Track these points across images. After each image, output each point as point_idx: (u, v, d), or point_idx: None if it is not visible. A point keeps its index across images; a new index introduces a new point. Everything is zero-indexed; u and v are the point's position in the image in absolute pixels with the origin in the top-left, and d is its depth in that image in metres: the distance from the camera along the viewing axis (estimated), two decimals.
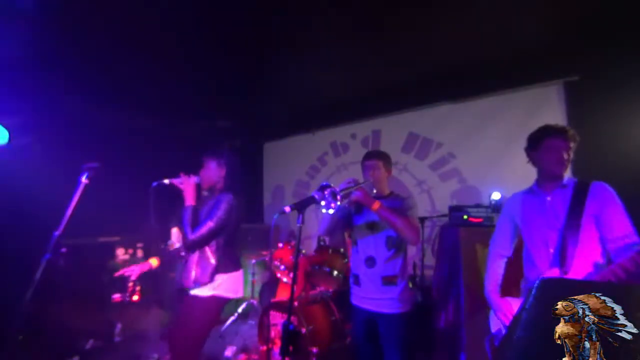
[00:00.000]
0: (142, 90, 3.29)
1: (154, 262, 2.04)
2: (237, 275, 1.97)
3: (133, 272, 1.97)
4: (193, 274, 1.89)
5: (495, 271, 1.72)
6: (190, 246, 1.87)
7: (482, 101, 3.05)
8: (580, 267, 1.43)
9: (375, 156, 1.94)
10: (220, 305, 1.93)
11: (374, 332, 1.81)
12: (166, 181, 1.92)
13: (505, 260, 1.73)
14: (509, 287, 1.74)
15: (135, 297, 2.02)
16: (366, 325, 1.83)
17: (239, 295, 1.99)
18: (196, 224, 1.85)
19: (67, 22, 2.21)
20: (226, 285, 1.91)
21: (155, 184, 1.88)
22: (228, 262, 1.93)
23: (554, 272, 1.47)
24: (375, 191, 1.90)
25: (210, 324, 1.92)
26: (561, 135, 1.54)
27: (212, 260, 1.89)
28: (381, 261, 1.80)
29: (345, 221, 1.98)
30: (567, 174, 1.59)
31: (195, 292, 1.89)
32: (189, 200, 1.90)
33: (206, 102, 3.78)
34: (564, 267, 1.44)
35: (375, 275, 1.80)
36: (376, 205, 1.69)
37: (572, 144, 1.54)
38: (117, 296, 2.06)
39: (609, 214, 1.43)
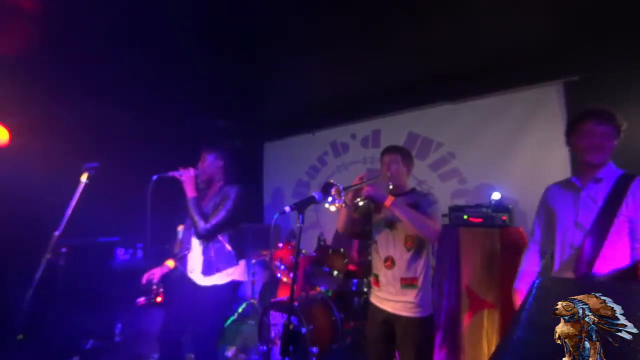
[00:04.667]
0: (142, 90, 3.29)
1: (170, 263, 2.11)
2: (244, 261, 2.10)
3: (155, 275, 2.04)
4: (213, 263, 1.94)
5: (529, 268, 1.63)
6: (205, 236, 1.93)
7: (482, 101, 3.04)
8: (600, 272, 1.29)
9: (392, 151, 1.87)
10: (236, 288, 2.05)
11: (389, 334, 1.75)
12: (167, 174, 1.98)
13: (542, 255, 1.62)
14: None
15: (159, 299, 2.10)
16: (383, 327, 1.77)
17: (247, 279, 2.11)
18: (201, 215, 1.91)
19: (68, 20, 2.21)
20: (240, 270, 2.03)
21: (155, 176, 1.91)
22: (240, 249, 2.04)
23: (569, 275, 1.36)
24: (391, 187, 1.83)
25: (229, 309, 2.02)
26: (597, 117, 1.37)
27: (229, 248, 1.98)
28: (400, 262, 1.73)
29: (365, 219, 1.92)
30: (611, 164, 1.43)
31: (211, 282, 1.93)
32: (190, 192, 1.96)
33: (206, 102, 3.78)
34: (579, 271, 1.31)
35: (394, 277, 1.73)
36: (389, 201, 1.63)
37: (613, 129, 1.35)
38: (141, 300, 2.13)
39: None
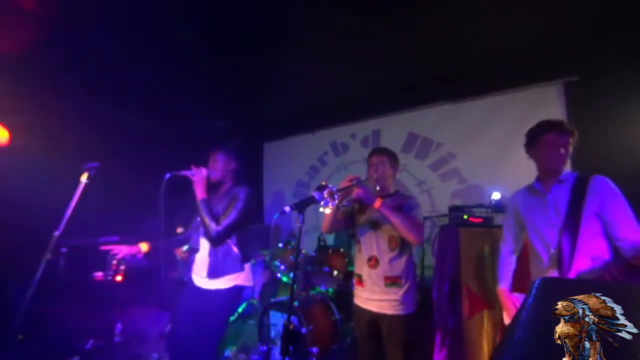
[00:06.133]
0: (142, 90, 3.29)
1: (143, 246, 2.02)
2: (249, 266, 2.06)
3: (120, 251, 1.95)
4: (220, 265, 1.91)
5: (505, 267, 1.76)
6: (217, 238, 1.89)
7: (482, 101, 3.04)
8: (581, 266, 1.39)
9: (380, 152, 1.91)
10: (241, 293, 2.01)
11: (377, 333, 1.78)
12: (180, 173, 1.93)
13: (514, 255, 1.76)
14: (522, 284, 1.77)
15: (119, 278, 1.99)
16: (369, 327, 1.80)
17: (252, 283, 2.07)
18: (213, 216, 1.88)
19: (68, 21, 2.21)
20: (245, 274, 1.99)
21: (168, 175, 1.86)
22: (247, 252, 2.01)
23: (553, 273, 1.47)
24: (378, 188, 1.86)
25: (230, 314, 1.98)
26: (558, 130, 1.52)
27: (236, 250, 1.95)
28: (384, 261, 1.77)
29: (348, 220, 1.95)
30: (567, 169, 1.57)
31: (215, 285, 1.91)
32: (200, 193, 1.93)
33: (206, 102, 3.77)
34: (562, 268, 1.42)
35: (378, 276, 1.77)
36: (377, 202, 1.66)
37: (570, 139, 1.51)
38: (99, 274, 2.02)
39: (612, 211, 1.38)
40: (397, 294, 1.74)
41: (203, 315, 1.88)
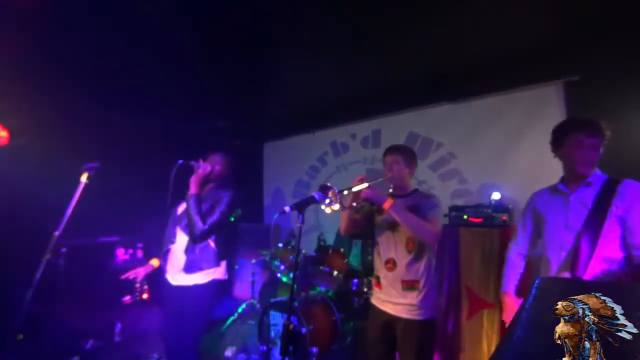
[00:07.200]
0: (142, 90, 3.29)
1: (155, 262, 2.08)
2: (225, 261, 2.08)
3: (139, 273, 2.03)
4: (197, 261, 1.92)
5: (513, 270, 1.66)
6: (201, 236, 1.90)
7: (482, 101, 3.04)
8: (594, 273, 1.32)
9: (395, 151, 1.83)
10: (220, 287, 2.02)
11: (390, 336, 1.74)
12: (190, 162, 1.98)
13: (524, 258, 1.68)
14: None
15: (145, 296, 2.07)
16: (384, 328, 1.76)
17: (227, 276, 2.09)
18: (201, 215, 1.91)
19: (68, 21, 2.21)
20: (221, 269, 2.02)
21: (181, 161, 1.92)
22: (225, 250, 2.03)
23: (566, 277, 1.39)
24: (391, 190, 1.79)
25: (211, 308, 2.00)
26: (588, 129, 1.39)
27: (213, 246, 1.96)
28: (402, 264, 1.70)
29: (367, 220, 1.90)
30: (596, 170, 1.46)
31: (192, 281, 1.92)
32: (194, 188, 1.95)
33: (206, 102, 3.78)
34: (575, 272, 1.33)
35: (396, 279, 1.71)
36: (387, 203, 1.60)
37: (602, 140, 1.39)
38: (127, 298, 2.11)
39: (634, 217, 1.30)
40: (415, 298, 1.67)
41: (187, 312, 1.88)
